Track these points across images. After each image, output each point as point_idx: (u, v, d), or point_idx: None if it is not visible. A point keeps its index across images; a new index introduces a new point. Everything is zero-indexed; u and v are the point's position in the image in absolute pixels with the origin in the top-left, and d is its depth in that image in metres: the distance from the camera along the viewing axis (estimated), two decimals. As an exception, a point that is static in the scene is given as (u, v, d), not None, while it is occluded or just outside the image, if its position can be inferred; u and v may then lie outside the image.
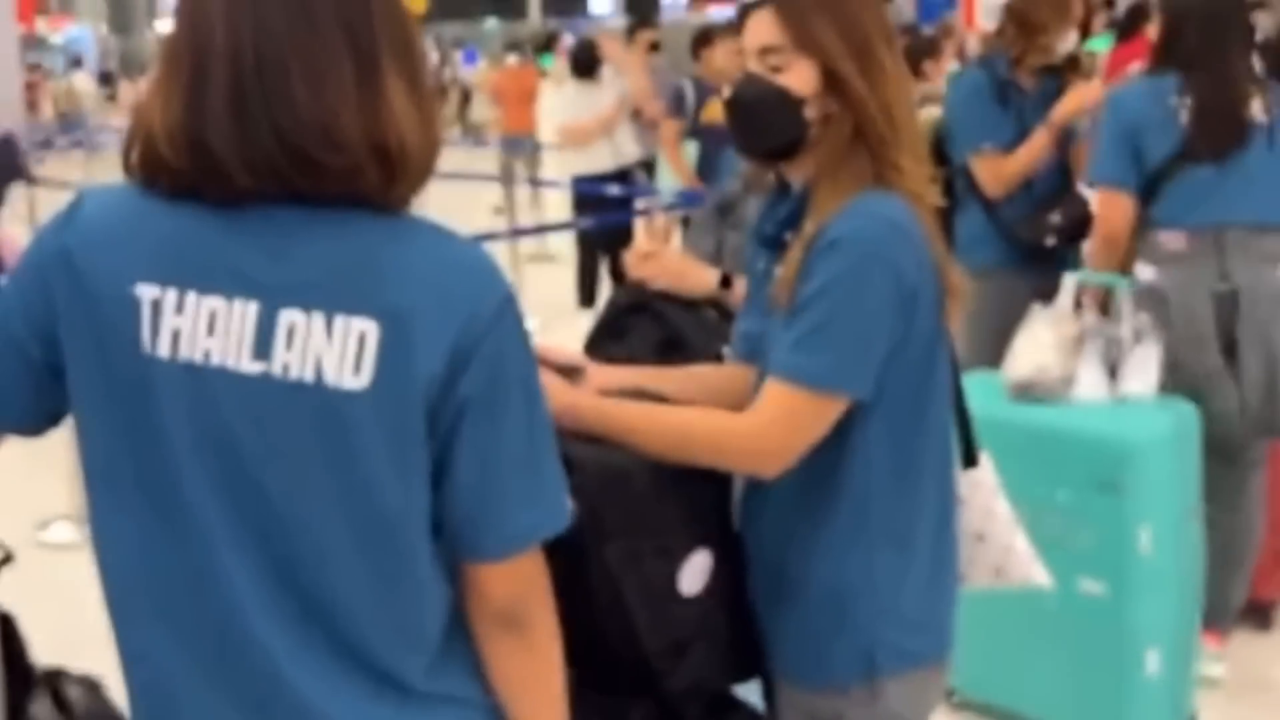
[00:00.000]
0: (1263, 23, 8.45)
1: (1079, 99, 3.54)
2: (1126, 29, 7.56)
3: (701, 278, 2.09)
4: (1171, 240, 3.06)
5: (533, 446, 1.23)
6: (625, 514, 1.56)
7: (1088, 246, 3.44)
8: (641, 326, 2.04)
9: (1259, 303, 3.01)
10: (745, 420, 1.60)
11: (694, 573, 1.62)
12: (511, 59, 12.32)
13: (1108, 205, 3.15)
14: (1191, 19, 3.09)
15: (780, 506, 1.67)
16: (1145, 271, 3.09)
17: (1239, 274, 3.01)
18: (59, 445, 4.84)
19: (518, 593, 1.26)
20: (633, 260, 2.10)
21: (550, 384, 1.56)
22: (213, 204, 1.17)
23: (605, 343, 2.02)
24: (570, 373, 1.70)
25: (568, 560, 1.38)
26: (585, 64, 7.40)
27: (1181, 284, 3.02)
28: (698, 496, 1.64)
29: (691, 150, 6.50)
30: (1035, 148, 3.53)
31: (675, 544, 1.61)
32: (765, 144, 1.70)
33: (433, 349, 1.16)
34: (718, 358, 1.94)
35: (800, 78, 1.64)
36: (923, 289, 1.59)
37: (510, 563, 1.24)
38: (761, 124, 1.67)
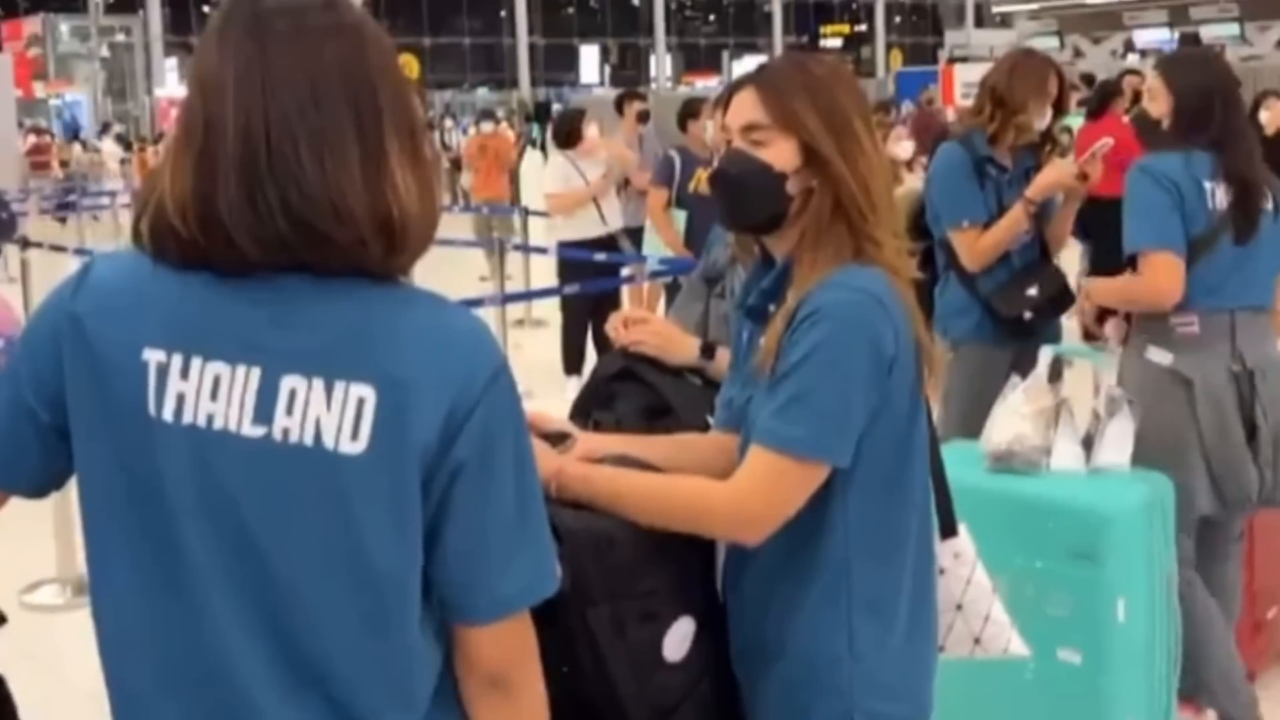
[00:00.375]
0: (1263, 118, 8.64)
1: (1055, 175, 3.62)
2: (1096, 108, 7.72)
3: (686, 345, 2.14)
4: (1186, 324, 3.06)
5: (523, 512, 1.26)
6: (610, 580, 1.58)
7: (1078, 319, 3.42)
8: (628, 393, 2.06)
9: (1268, 380, 3.08)
10: (727, 487, 1.63)
11: (678, 639, 1.64)
12: (486, 126, 12.47)
13: (1162, 270, 3.02)
14: (1216, 97, 3.09)
15: (762, 573, 1.70)
16: (1158, 355, 3.08)
17: (1249, 354, 3.06)
18: (47, 508, 4.87)
19: (506, 656, 1.28)
20: (617, 323, 2.14)
21: (537, 450, 1.60)
22: (207, 274, 1.21)
23: (592, 409, 2.04)
24: (558, 439, 1.74)
25: (553, 625, 1.40)
26: (566, 134, 7.51)
27: (1203, 368, 3.04)
28: (682, 564, 1.67)
29: (679, 219, 6.58)
30: (1012, 223, 3.60)
31: (660, 610, 1.63)
32: (749, 217, 1.76)
33: (428, 416, 1.20)
34: (704, 425, 1.97)
35: (782, 154, 1.70)
36: (901, 359, 1.64)
37: (499, 626, 1.26)
38: (745, 198, 1.73)
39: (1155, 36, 21.64)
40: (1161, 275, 3.03)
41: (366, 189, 1.20)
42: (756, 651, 1.72)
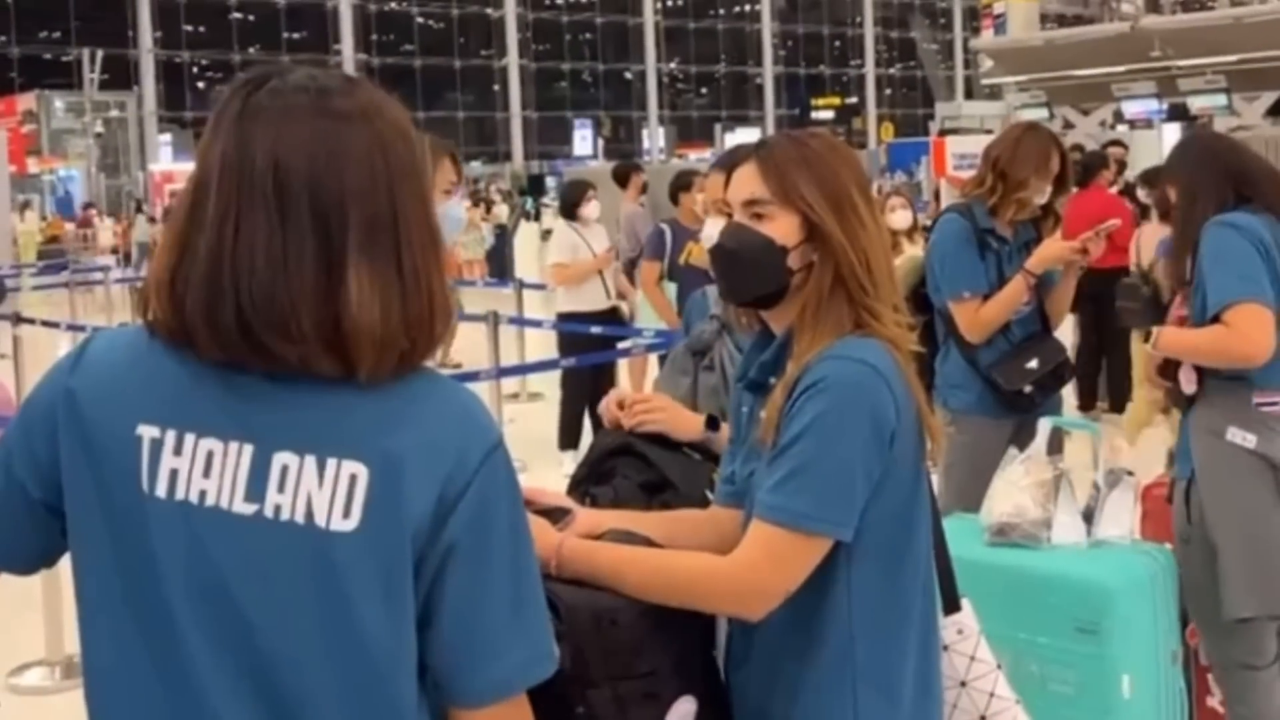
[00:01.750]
0: None
1: (1055, 248, 3.64)
2: (1082, 179, 7.82)
3: (692, 420, 2.13)
4: (1271, 402, 2.91)
5: (519, 592, 1.24)
6: (611, 659, 1.56)
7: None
8: (626, 469, 2.05)
9: None
10: (730, 562, 1.62)
11: (678, 718, 1.61)
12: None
13: (1255, 322, 2.81)
14: (1242, 160, 3.01)
15: (765, 649, 1.68)
16: (1239, 436, 2.91)
17: None
18: (36, 589, 4.81)
19: None
20: (612, 405, 2.12)
21: (536, 526, 1.58)
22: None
23: (590, 485, 2.03)
24: (557, 516, 1.72)
25: (552, 705, 1.38)
26: (572, 204, 7.53)
27: None
28: (683, 642, 1.65)
29: (671, 291, 6.61)
30: (1012, 294, 3.61)
31: (661, 690, 1.61)
32: (750, 291, 1.76)
33: (421, 493, 1.19)
34: (703, 500, 1.96)
35: (783, 228, 1.70)
36: (902, 431, 1.63)
37: (495, 708, 1.24)
38: (746, 271, 1.73)
39: (1143, 107, 21.90)
40: (1255, 327, 2.80)
41: (318, 302, 1.18)
42: None
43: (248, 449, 1.20)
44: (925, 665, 1.71)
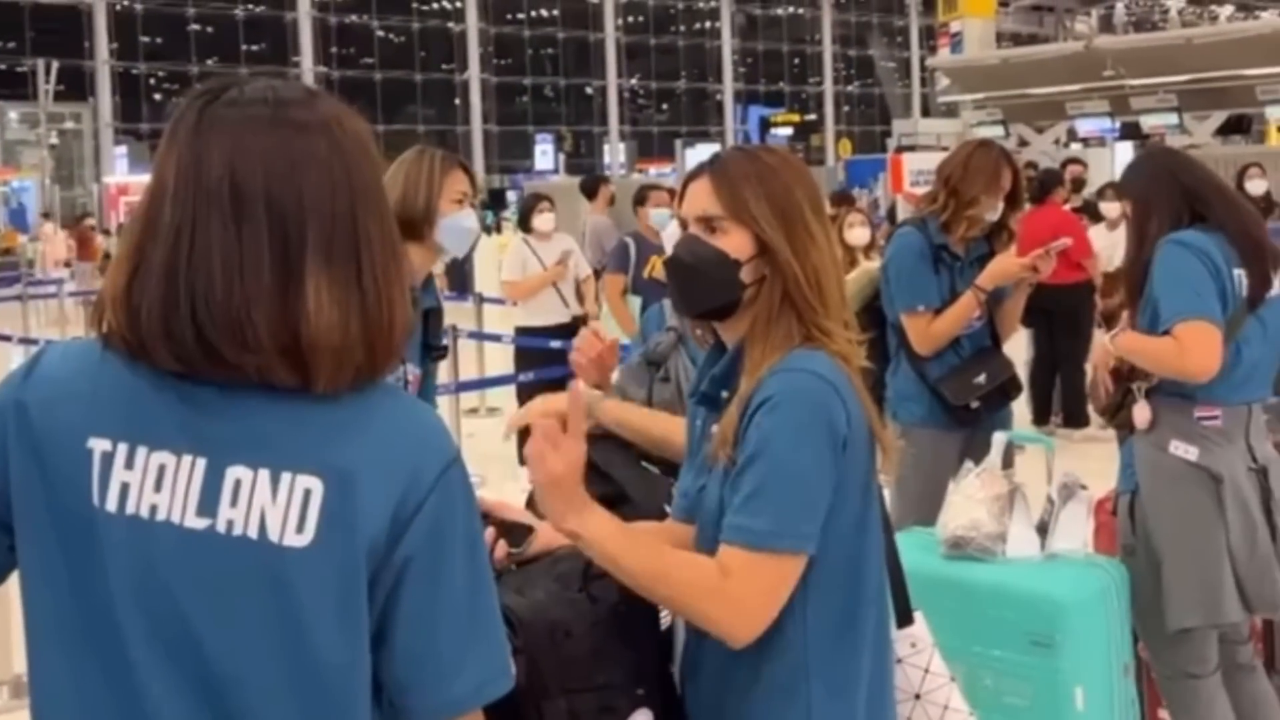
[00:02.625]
0: (1258, 184, 8.91)
1: (1006, 265, 3.68)
2: (1038, 195, 7.92)
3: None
4: (1211, 417, 2.96)
5: (475, 609, 1.23)
6: (566, 671, 1.56)
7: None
8: (586, 483, 2.05)
9: (1276, 478, 3.01)
10: (721, 588, 1.59)
11: None
12: None
13: (1202, 340, 2.85)
14: (1196, 179, 3.03)
15: (721, 661, 1.68)
16: (1182, 449, 2.96)
17: (1258, 450, 3.01)
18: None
19: None
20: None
21: (575, 489, 1.59)
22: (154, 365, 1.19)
23: None
24: (520, 533, 1.71)
25: (507, 718, 1.37)
26: (523, 215, 7.54)
27: (1229, 463, 2.95)
28: (638, 653, 1.65)
29: (635, 304, 6.61)
30: (963, 309, 3.65)
31: (617, 703, 1.61)
32: (703, 303, 1.77)
33: (376, 509, 1.18)
34: (661, 513, 1.96)
35: (735, 242, 1.72)
36: (854, 441, 1.64)
37: None
38: (700, 284, 1.74)
39: (1097, 125, 22.18)
40: (1203, 344, 2.85)
41: (274, 311, 1.17)
42: None
43: (200, 462, 1.18)
44: (879, 677, 1.72)
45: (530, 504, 2.01)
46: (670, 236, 2.66)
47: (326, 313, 1.18)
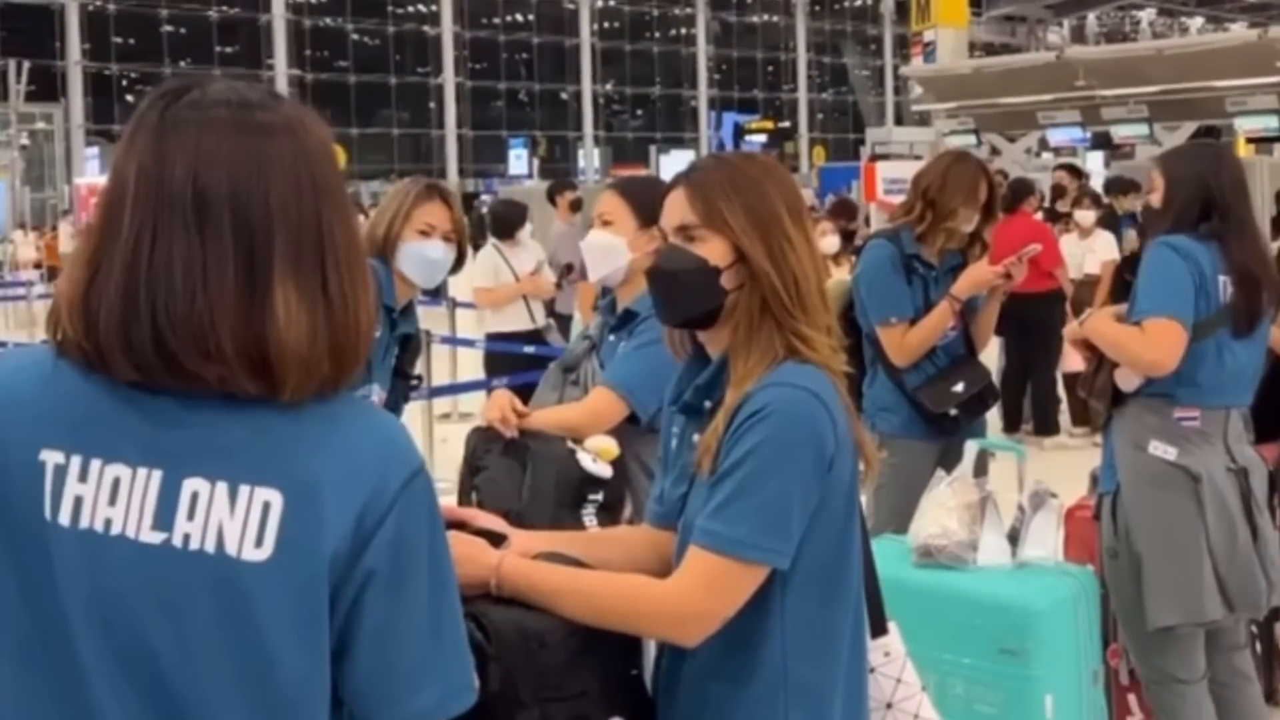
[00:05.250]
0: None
1: (979, 273, 3.71)
2: (1010, 204, 7.97)
3: None
4: (1190, 418, 3.00)
5: (438, 624, 1.21)
6: (540, 681, 1.56)
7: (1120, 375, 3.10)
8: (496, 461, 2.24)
9: (1256, 480, 3.05)
10: (667, 587, 1.62)
11: None
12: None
13: (1163, 336, 2.91)
14: (1213, 188, 3.04)
15: (697, 673, 1.68)
16: (1161, 449, 2.99)
17: (1236, 452, 3.04)
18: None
19: None
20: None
21: (474, 548, 1.58)
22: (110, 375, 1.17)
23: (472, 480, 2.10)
24: (492, 538, 1.71)
25: None
26: (506, 224, 7.48)
27: (1206, 463, 2.98)
28: (613, 663, 1.65)
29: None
30: (937, 319, 3.66)
31: (590, 713, 1.60)
32: (686, 311, 1.76)
33: (337, 522, 1.15)
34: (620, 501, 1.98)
35: (713, 249, 1.72)
36: (840, 457, 1.64)
37: None
38: (682, 292, 1.74)
39: (1068, 135, 22.32)
40: (1166, 339, 2.92)
41: (238, 320, 1.15)
42: None
43: (156, 475, 1.15)
44: (854, 689, 1.73)
45: (462, 496, 2.03)
46: (588, 247, 2.76)
47: (295, 322, 1.16)
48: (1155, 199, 3.15)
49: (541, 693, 1.55)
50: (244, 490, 1.15)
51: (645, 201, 2.73)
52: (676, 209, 1.76)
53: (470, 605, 1.58)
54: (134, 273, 1.15)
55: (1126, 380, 3.06)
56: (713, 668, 1.66)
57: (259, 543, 1.14)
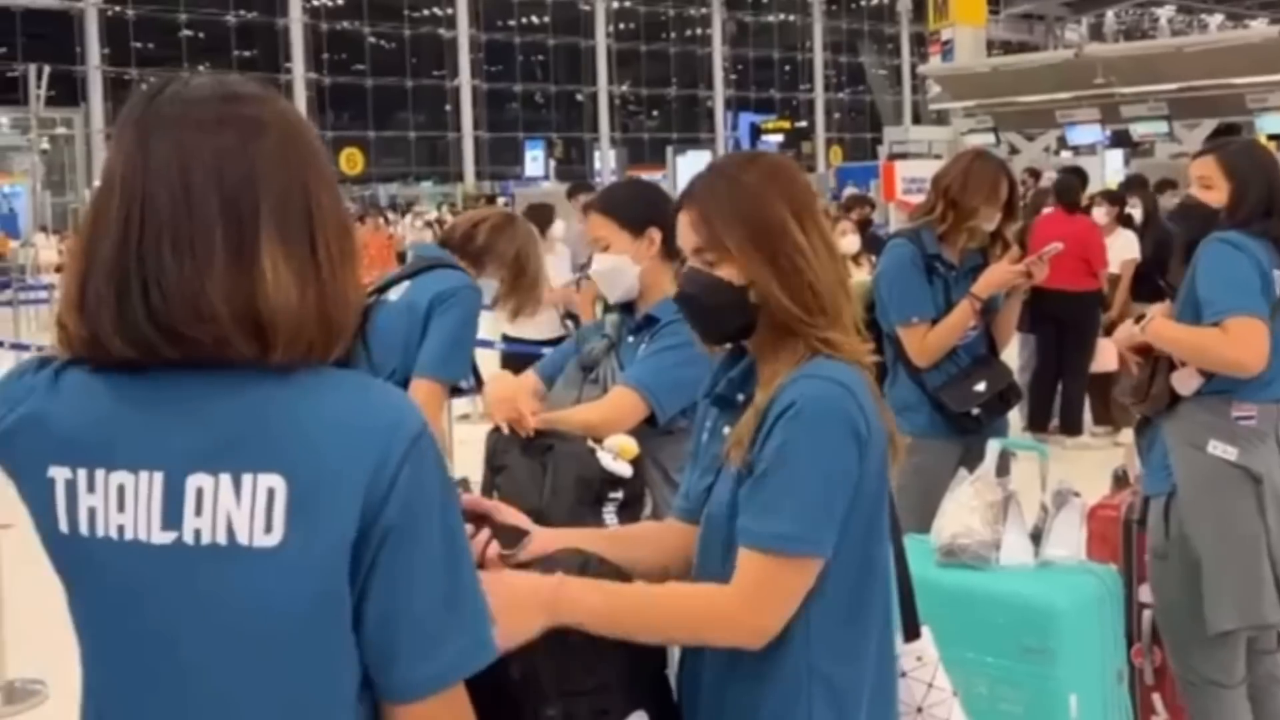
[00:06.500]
0: None
1: (1001, 273, 3.69)
2: (1069, 199, 7.95)
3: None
4: (1247, 416, 2.96)
5: (454, 582, 1.22)
6: (563, 674, 1.56)
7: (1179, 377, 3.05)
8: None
9: None
10: (729, 595, 1.62)
11: None
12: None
13: (1253, 335, 2.87)
14: (1275, 186, 3.02)
15: (721, 668, 1.68)
16: (1221, 449, 2.95)
17: None
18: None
19: None
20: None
21: (527, 580, 1.57)
22: (110, 375, 1.19)
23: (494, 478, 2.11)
24: (514, 537, 1.72)
25: None
26: (539, 228, 7.45)
27: (1268, 464, 2.94)
28: (634, 656, 1.65)
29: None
30: (958, 319, 3.66)
31: (612, 706, 1.61)
32: (721, 332, 1.77)
33: (345, 494, 1.17)
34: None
35: (730, 270, 1.71)
36: (871, 447, 1.64)
37: (432, 701, 1.21)
38: (711, 315, 1.75)
39: (1087, 133, 22.25)
40: (1253, 338, 2.86)
41: (228, 283, 1.17)
42: None
43: (158, 477, 1.18)
44: (881, 688, 1.72)
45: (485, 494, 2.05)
46: (598, 274, 2.77)
47: (284, 285, 1.18)
48: (1214, 197, 3.09)
49: (565, 684, 1.56)
50: (247, 479, 1.16)
51: (628, 210, 2.75)
52: (687, 233, 1.76)
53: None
54: (124, 250, 1.17)
55: (1185, 383, 3.00)
56: (737, 663, 1.66)
57: (268, 529, 1.16)
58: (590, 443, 2.42)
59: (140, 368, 1.18)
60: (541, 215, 7.67)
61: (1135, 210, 8.64)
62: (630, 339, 2.75)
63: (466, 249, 3.55)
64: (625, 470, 2.36)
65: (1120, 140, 22.28)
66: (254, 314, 1.17)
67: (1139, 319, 3.17)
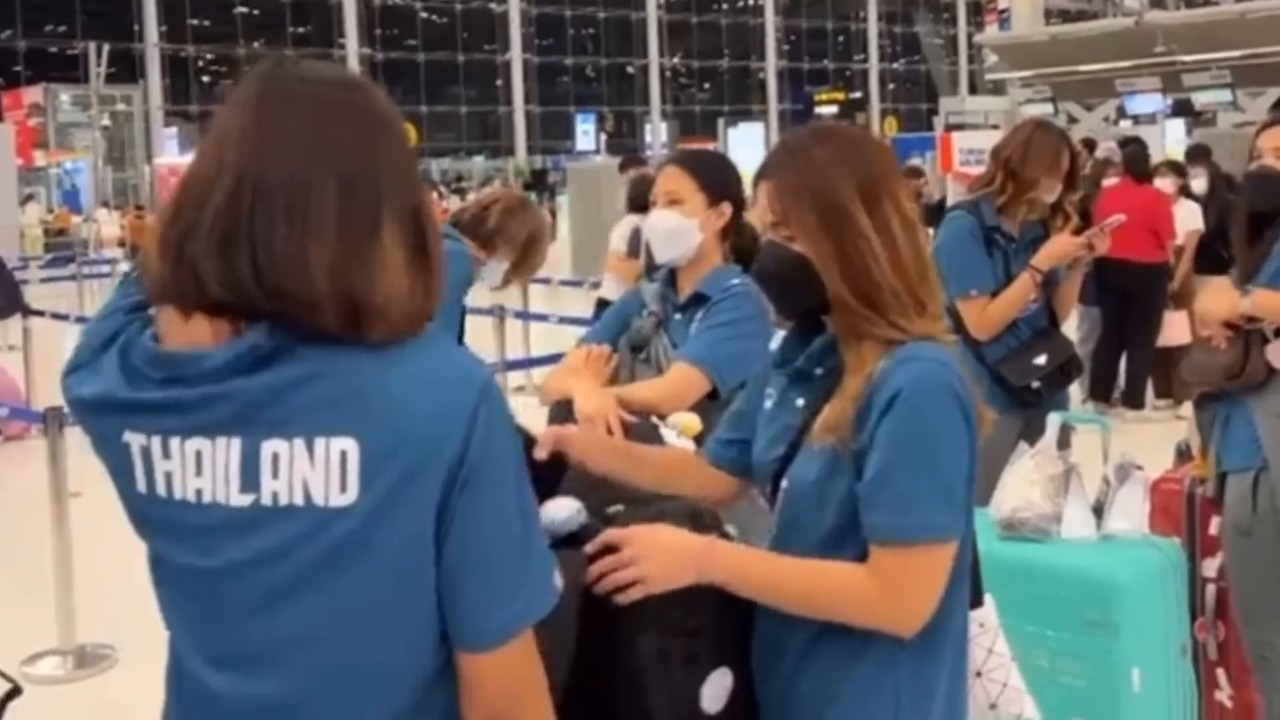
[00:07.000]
0: None
1: (1062, 244, 3.65)
2: (1140, 169, 7.84)
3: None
4: None
5: (524, 522, 1.27)
6: (664, 610, 1.59)
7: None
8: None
9: None
10: (879, 589, 1.61)
11: (716, 691, 1.64)
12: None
13: None
14: None
15: (806, 639, 1.68)
16: None
17: None
18: (48, 579, 4.80)
19: (511, 688, 1.27)
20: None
21: (682, 538, 1.61)
22: (188, 335, 1.22)
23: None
24: (556, 467, 1.76)
25: (600, 647, 1.42)
26: (639, 200, 7.42)
27: None
28: (731, 615, 1.67)
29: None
30: (1019, 291, 3.62)
31: (702, 654, 1.63)
32: (797, 307, 1.77)
33: (426, 450, 1.21)
34: None
35: (806, 245, 1.70)
36: (972, 418, 1.65)
37: (507, 649, 1.26)
38: (788, 290, 1.75)
39: (1147, 103, 21.88)
40: None
41: (334, 256, 1.21)
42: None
43: (235, 442, 1.22)
44: (958, 657, 1.74)
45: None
46: (654, 229, 2.72)
47: (396, 273, 1.22)
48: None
49: (664, 621, 1.58)
50: (320, 443, 1.20)
51: (713, 179, 2.70)
52: (764, 206, 1.75)
53: (608, 512, 1.66)
54: (234, 211, 1.20)
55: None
56: (827, 634, 1.66)
57: (343, 488, 1.20)
58: (654, 420, 2.43)
59: (207, 311, 1.21)
60: (641, 188, 7.65)
61: (1199, 181, 8.50)
62: (678, 316, 2.74)
63: (477, 231, 3.56)
64: (690, 447, 2.37)
65: (1182, 109, 21.89)
66: (352, 292, 1.20)
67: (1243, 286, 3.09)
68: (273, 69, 1.28)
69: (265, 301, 1.20)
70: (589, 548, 1.60)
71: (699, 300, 2.68)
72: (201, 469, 1.22)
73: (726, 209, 2.68)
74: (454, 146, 38.92)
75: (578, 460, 1.81)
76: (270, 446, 1.21)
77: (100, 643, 4.56)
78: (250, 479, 1.21)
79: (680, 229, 2.67)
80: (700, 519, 1.71)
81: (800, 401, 1.74)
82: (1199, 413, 3.21)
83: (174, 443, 1.22)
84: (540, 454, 1.76)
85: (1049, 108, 21.49)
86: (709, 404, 2.59)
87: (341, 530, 1.20)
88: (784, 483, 1.73)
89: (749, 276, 2.65)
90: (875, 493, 1.61)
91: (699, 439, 2.41)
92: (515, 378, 8.49)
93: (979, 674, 1.87)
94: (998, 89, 28.47)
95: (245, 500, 1.22)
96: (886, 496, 1.60)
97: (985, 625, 1.88)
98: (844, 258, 1.66)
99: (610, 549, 1.59)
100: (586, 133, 37.44)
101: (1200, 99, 21.00)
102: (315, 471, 1.20)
